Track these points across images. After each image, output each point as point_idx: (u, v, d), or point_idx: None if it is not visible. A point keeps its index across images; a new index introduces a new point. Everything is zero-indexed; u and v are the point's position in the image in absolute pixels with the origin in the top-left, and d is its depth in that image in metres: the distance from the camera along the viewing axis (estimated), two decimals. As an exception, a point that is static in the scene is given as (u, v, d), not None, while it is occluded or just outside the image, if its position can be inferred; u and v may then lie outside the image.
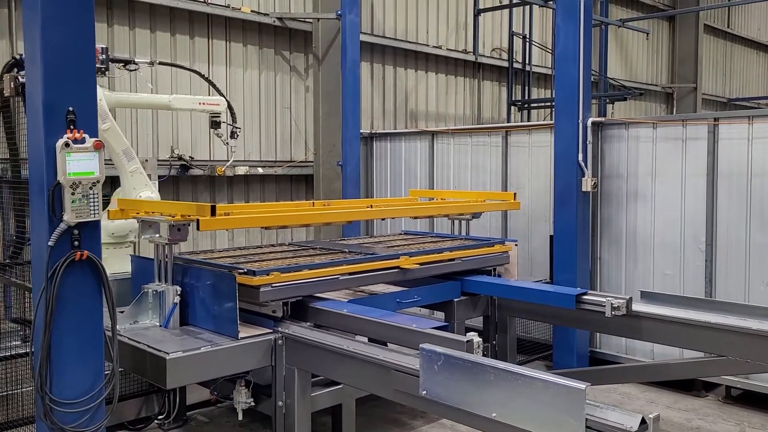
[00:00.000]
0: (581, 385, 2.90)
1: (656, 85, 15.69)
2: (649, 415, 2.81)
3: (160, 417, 5.66)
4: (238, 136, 6.89)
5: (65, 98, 3.47)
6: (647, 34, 14.23)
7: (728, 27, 17.54)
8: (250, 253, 5.57)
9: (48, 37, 3.43)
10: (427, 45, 10.80)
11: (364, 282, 5.16)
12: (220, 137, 6.77)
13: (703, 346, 4.81)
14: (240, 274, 4.48)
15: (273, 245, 6.15)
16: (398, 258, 5.27)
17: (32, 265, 3.67)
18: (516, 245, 6.26)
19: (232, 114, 6.84)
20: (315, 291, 4.79)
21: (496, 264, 6.06)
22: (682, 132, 6.55)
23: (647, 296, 5.21)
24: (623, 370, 5.86)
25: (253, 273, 4.48)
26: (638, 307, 4.98)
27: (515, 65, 11.79)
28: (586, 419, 2.87)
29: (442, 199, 6.96)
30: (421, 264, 5.38)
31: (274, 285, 4.48)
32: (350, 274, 4.98)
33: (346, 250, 5.50)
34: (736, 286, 6.21)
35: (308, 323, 4.56)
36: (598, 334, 7.10)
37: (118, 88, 7.45)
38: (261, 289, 4.42)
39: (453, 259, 5.66)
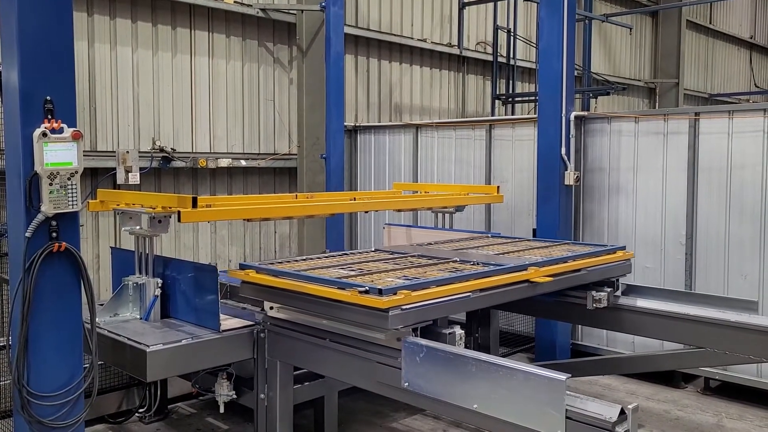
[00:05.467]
0: (561, 377, 2.93)
1: (639, 80, 15.80)
2: (629, 406, 2.84)
3: (140, 410, 5.62)
4: None
5: (42, 87, 3.42)
6: (630, 29, 14.32)
7: (710, 23, 17.69)
8: (337, 263, 4.68)
9: (25, 25, 3.38)
10: (412, 38, 10.78)
11: (494, 300, 4.35)
12: None
13: (682, 338, 4.87)
14: (361, 293, 3.63)
15: (354, 253, 5.26)
16: (526, 269, 4.48)
17: (9, 257, 3.62)
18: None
19: None
20: (448, 312, 4.08)
21: (619, 274, 5.23)
22: (663, 126, 6.60)
23: (628, 289, 5.26)
24: (604, 362, 5.92)
25: (379, 292, 3.57)
26: (619, 299, 5.04)
27: (500, 59, 11.80)
28: (566, 410, 2.89)
29: (425, 192, 6.96)
30: (552, 276, 4.57)
31: (404, 307, 3.58)
32: (481, 290, 4.11)
33: (456, 259, 4.70)
34: (715, 279, 6.28)
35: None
36: (579, 326, 7.15)
37: (99, 74, 7.37)
38: (390, 313, 3.51)
39: (579, 270, 4.88)
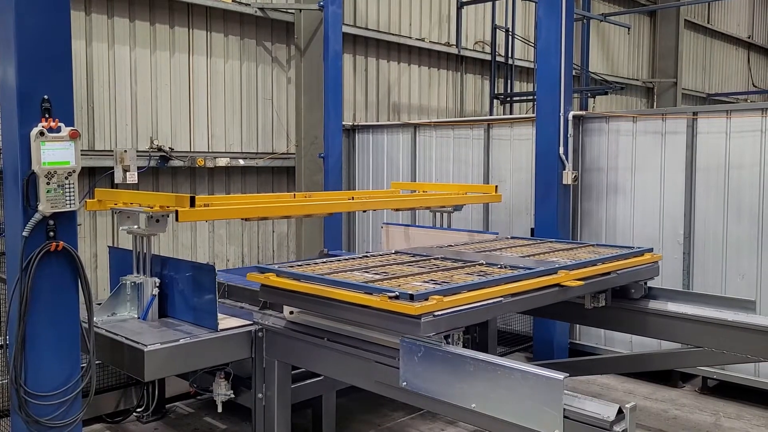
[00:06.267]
0: (559, 376, 2.92)
1: (637, 80, 15.81)
2: (626, 405, 2.84)
3: (138, 410, 5.62)
4: None
5: (40, 86, 3.41)
6: (628, 28, 14.33)
7: (708, 23, 17.71)
8: (359, 266, 4.48)
9: (22, 24, 3.37)
10: (410, 37, 10.78)
11: (525, 305, 4.17)
12: None
13: (680, 338, 4.87)
14: (391, 298, 3.46)
15: (374, 255, 5.05)
16: (556, 273, 4.31)
17: (6, 256, 3.61)
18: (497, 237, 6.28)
19: None
20: (479, 319, 3.87)
21: (647, 277, 5.06)
22: (661, 126, 6.61)
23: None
24: (602, 361, 5.93)
25: (410, 297, 3.43)
26: (617, 299, 5.03)
27: (498, 59, 11.81)
28: (564, 409, 2.89)
29: (423, 191, 6.96)
30: (583, 280, 4.39)
31: (436, 314, 3.43)
32: (512, 295, 3.95)
33: (483, 262, 4.52)
34: (713, 279, 6.29)
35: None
36: (577, 325, 7.16)
37: (96, 73, 7.36)
38: (422, 320, 3.35)
39: (609, 273, 4.73)
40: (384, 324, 3.52)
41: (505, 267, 4.36)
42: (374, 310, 3.54)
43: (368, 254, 5.10)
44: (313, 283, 3.95)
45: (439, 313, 3.44)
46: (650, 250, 5.25)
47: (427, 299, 3.44)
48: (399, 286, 3.73)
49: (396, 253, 5.08)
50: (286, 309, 4.18)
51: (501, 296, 3.84)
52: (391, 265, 4.51)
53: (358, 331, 3.77)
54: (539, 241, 5.77)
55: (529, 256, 4.93)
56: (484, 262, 4.51)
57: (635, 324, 5.05)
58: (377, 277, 4.04)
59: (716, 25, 18.07)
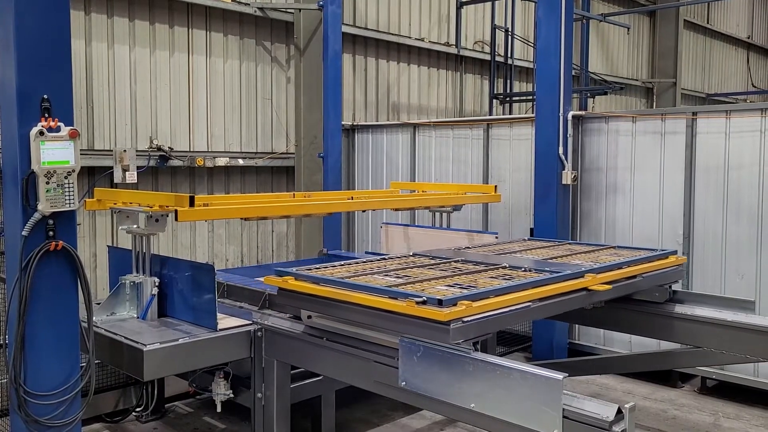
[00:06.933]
0: (558, 376, 2.92)
1: (636, 80, 15.81)
2: (625, 405, 2.84)
3: (137, 409, 5.62)
4: None
5: (40, 86, 3.41)
6: (628, 29, 14.33)
7: (707, 23, 17.71)
8: (378, 269, 4.35)
9: (22, 24, 3.37)
10: (410, 37, 10.78)
11: (552, 311, 4.02)
12: None
13: (679, 338, 4.87)
14: (418, 303, 3.35)
15: (391, 257, 4.92)
16: (583, 277, 4.17)
17: (6, 256, 3.61)
18: (497, 237, 6.28)
19: None
20: (507, 325, 3.74)
21: (672, 280, 4.95)
22: (661, 126, 6.61)
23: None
24: (601, 361, 5.92)
25: (439, 302, 3.30)
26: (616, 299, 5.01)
27: (497, 59, 11.81)
28: (563, 409, 2.89)
29: (423, 191, 6.96)
30: (610, 284, 4.29)
31: (465, 320, 3.32)
32: (540, 300, 3.82)
33: (506, 265, 4.39)
34: (712, 279, 6.29)
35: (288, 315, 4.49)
36: (576, 325, 7.16)
37: (96, 73, 7.36)
38: (452, 326, 3.25)
39: (635, 276, 4.61)
40: (409, 330, 3.40)
41: (530, 270, 4.24)
42: (400, 316, 3.42)
43: (384, 257, 4.99)
44: (334, 286, 3.82)
45: (468, 319, 3.32)
46: (674, 252, 5.13)
47: (455, 304, 3.32)
48: (423, 290, 3.62)
49: (414, 255, 4.95)
50: (304, 313, 4.04)
51: (529, 301, 3.72)
52: (411, 268, 4.39)
53: (361, 331, 3.73)
54: (557, 243, 5.64)
55: (551, 258, 4.80)
56: (507, 265, 4.38)
57: (633, 324, 5.04)
58: (399, 280, 3.92)
59: (716, 25, 18.08)
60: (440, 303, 3.28)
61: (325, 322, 3.98)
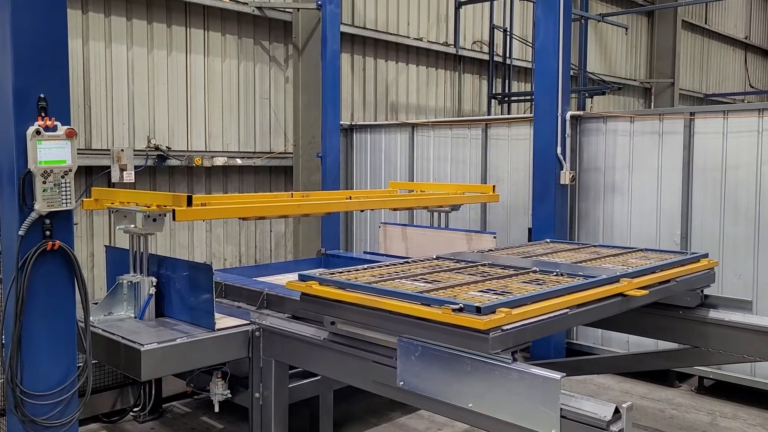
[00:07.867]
0: (556, 376, 2.92)
1: (635, 80, 15.83)
2: (623, 405, 2.84)
3: (135, 409, 5.61)
4: None
5: (36, 85, 3.40)
6: (626, 29, 14.35)
7: (705, 23, 17.74)
8: (404, 273, 4.21)
9: (18, 23, 3.36)
10: (408, 37, 10.78)
11: (588, 318, 3.84)
12: None
13: (677, 338, 4.87)
14: (455, 310, 3.20)
15: (414, 261, 4.75)
16: (618, 282, 4.03)
17: (2, 255, 3.60)
18: (495, 237, 6.28)
19: None
20: (544, 333, 3.56)
21: (704, 284, 4.83)
22: (659, 126, 6.62)
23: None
24: (599, 361, 5.93)
25: (477, 310, 3.15)
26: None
27: (496, 58, 11.82)
28: (561, 409, 2.89)
29: (421, 191, 6.96)
30: (646, 288, 4.13)
31: (504, 328, 3.18)
32: (578, 306, 3.68)
33: (536, 269, 4.24)
34: (710, 279, 6.29)
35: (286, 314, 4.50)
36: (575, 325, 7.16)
37: (93, 72, 7.34)
38: (491, 335, 3.10)
39: (669, 281, 4.45)
40: (444, 339, 3.24)
41: (562, 275, 4.09)
42: (435, 324, 3.26)
43: (407, 260, 4.82)
44: (362, 292, 3.64)
45: (508, 327, 3.17)
46: (706, 255, 4.97)
47: (494, 312, 3.16)
48: (455, 296, 3.48)
49: (437, 258, 4.79)
50: (327, 319, 3.86)
51: (567, 308, 3.57)
52: (438, 272, 4.23)
53: (360, 332, 3.70)
54: (581, 246, 5.50)
55: (580, 262, 4.63)
56: (538, 269, 4.24)
57: (632, 323, 5.03)
58: (429, 286, 3.75)
59: (713, 26, 18.10)
60: (479, 311, 3.13)
61: (351, 329, 3.77)
